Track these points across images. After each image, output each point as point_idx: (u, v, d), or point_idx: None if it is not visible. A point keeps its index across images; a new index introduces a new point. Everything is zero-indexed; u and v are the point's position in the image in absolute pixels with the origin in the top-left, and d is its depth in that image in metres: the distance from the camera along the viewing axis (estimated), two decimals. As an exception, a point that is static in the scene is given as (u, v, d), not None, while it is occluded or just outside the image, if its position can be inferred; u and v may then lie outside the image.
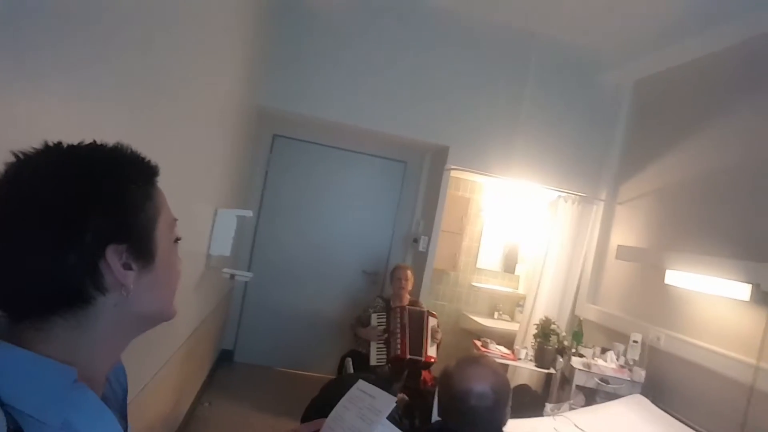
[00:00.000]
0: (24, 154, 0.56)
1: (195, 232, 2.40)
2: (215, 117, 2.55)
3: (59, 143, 0.59)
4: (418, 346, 3.36)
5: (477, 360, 1.41)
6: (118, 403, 0.72)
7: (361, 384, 1.16)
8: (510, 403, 1.39)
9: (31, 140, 0.58)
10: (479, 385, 1.34)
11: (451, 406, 1.37)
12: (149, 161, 0.64)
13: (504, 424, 1.37)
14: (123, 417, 0.72)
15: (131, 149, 0.62)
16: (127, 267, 0.59)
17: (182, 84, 1.86)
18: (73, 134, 0.62)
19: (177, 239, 0.68)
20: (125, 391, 0.75)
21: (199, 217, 2.48)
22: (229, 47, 2.57)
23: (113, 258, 0.57)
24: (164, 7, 1.53)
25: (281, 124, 4.33)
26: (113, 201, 0.57)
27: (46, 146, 0.58)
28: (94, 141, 0.61)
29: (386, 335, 3.45)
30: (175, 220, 0.68)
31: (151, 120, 1.56)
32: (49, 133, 0.60)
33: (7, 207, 0.54)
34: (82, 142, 0.60)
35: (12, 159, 0.56)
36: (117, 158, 0.61)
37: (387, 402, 1.07)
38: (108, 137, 0.63)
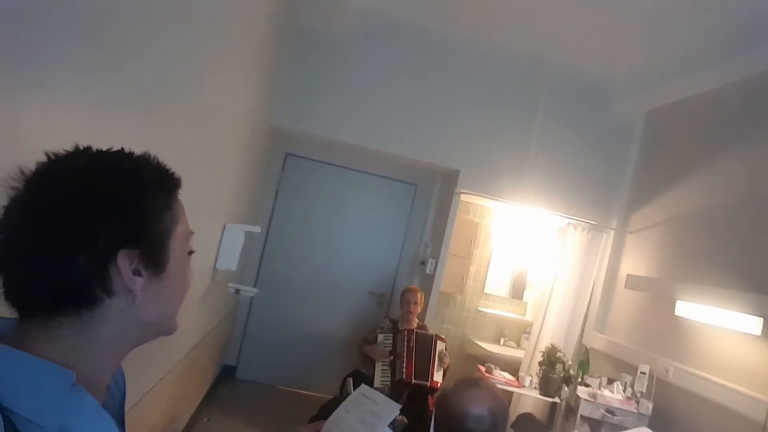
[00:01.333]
0: (55, 155, 0.58)
1: (202, 245, 2.43)
2: (228, 133, 2.60)
3: (89, 147, 0.61)
4: (425, 370, 3.31)
5: (476, 382, 1.38)
6: (115, 408, 0.71)
7: (363, 389, 1.14)
8: (507, 428, 1.36)
9: (40, 148, 0.59)
10: (477, 408, 1.31)
11: (447, 428, 1.34)
12: (173, 173, 0.65)
13: (501, 449, 1.34)
14: (120, 423, 0.71)
15: (157, 160, 0.64)
16: (136, 273, 0.59)
17: (197, 99, 1.91)
18: (86, 142, 0.63)
19: (191, 252, 0.68)
20: (123, 396, 0.75)
21: (208, 230, 2.50)
22: (245, 66, 2.63)
23: (124, 262, 0.58)
24: (181, 25, 1.58)
25: (294, 143, 4.39)
26: (130, 207, 0.58)
27: (76, 149, 0.60)
28: (122, 148, 0.62)
29: (392, 357, 3.41)
30: (192, 233, 0.68)
31: (164, 132, 1.60)
32: (59, 143, 0.62)
33: (32, 204, 0.56)
34: (110, 148, 0.62)
35: (43, 159, 0.58)
36: (141, 166, 0.62)
37: (390, 408, 1.05)
38: (120, 147, 0.64)
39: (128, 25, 1.21)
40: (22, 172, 0.56)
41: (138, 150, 0.64)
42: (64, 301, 0.57)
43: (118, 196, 0.58)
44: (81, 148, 0.60)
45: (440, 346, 3.41)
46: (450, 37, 3.92)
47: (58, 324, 0.57)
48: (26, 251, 0.55)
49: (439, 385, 3.31)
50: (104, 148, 0.62)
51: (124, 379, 0.75)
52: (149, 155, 0.63)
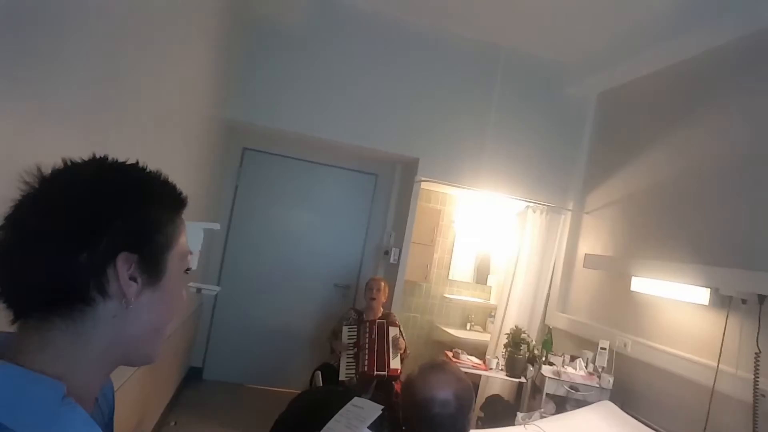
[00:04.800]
0: (72, 161, 0.62)
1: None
2: (182, 128, 2.52)
3: (105, 157, 0.64)
4: (381, 360, 3.33)
5: (440, 366, 1.40)
6: (104, 422, 0.71)
7: (356, 400, 1.20)
8: (473, 409, 1.39)
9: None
10: (442, 392, 1.33)
11: (414, 414, 1.36)
12: (181, 192, 0.68)
13: (467, 431, 1.37)
14: None
15: (167, 178, 0.67)
16: (132, 279, 0.60)
17: (146, 93, 1.84)
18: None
19: (188, 270, 0.69)
20: (112, 409, 0.74)
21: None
22: (195, 59, 2.55)
23: (122, 265, 0.59)
24: (127, 18, 1.51)
25: (251, 137, 4.31)
26: (137, 213, 0.61)
27: (93, 157, 0.64)
28: (137, 161, 0.66)
29: (356, 349, 3.42)
30: (191, 253, 0.70)
31: (111, 129, 1.53)
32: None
33: (44, 200, 0.58)
34: (126, 160, 0.65)
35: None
36: (151, 179, 0.65)
37: (373, 410, 1.13)
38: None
39: (69, 16, 1.15)
40: (39, 170, 0.59)
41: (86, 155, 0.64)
42: (60, 298, 0.57)
43: (126, 201, 0.60)
44: (97, 156, 0.63)
45: (393, 331, 3.42)
46: (405, 26, 3.91)
47: (51, 326, 0.57)
48: (32, 244, 0.56)
49: (398, 372, 3.33)
50: (120, 160, 0.64)
51: (113, 391, 0.75)
52: (161, 172, 0.67)
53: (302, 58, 3.76)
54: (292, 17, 3.68)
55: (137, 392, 2.50)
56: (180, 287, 0.68)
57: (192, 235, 2.78)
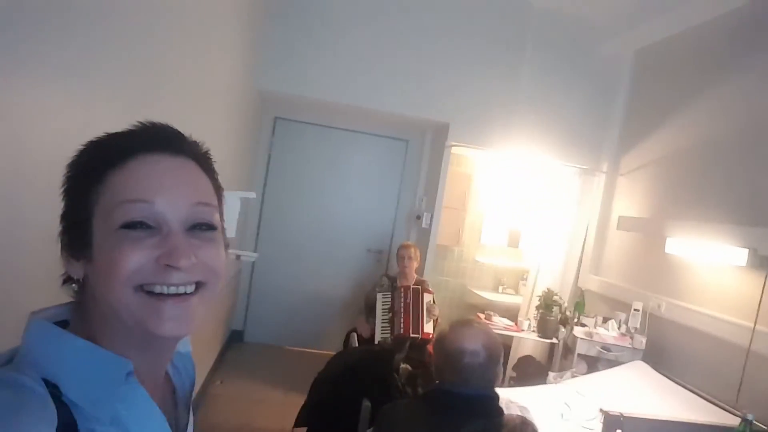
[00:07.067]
0: None
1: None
2: (216, 102, 2.59)
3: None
4: (416, 323, 3.42)
5: (469, 323, 1.46)
6: (184, 392, 0.72)
7: None
8: (501, 362, 1.45)
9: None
10: (471, 343, 1.39)
11: (445, 366, 1.43)
12: (109, 142, 0.59)
13: (497, 381, 1.43)
14: (187, 408, 0.71)
15: (99, 138, 0.60)
16: (73, 257, 0.59)
17: (182, 71, 1.90)
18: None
19: (127, 225, 0.55)
20: (193, 382, 0.74)
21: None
22: (228, 32, 2.59)
23: (62, 249, 0.60)
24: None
25: (282, 106, 4.36)
26: (64, 188, 0.60)
27: None
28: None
29: (390, 314, 3.51)
30: (129, 201, 0.56)
31: (151, 107, 1.60)
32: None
33: None
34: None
35: None
36: (85, 147, 0.60)
37: None
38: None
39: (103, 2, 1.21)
40: None
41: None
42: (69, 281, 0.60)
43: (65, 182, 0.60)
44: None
45: (427, 298, 3.48)
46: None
47: (77, 304, 0.60)
48: None
49: (430, 336, 3.42)
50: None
51: (193, 363, 0.76)
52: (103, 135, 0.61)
53: (331, 26, 3.75)
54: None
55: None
56: (113, 247, 0.55)
57: (230, 204, 2.89)
